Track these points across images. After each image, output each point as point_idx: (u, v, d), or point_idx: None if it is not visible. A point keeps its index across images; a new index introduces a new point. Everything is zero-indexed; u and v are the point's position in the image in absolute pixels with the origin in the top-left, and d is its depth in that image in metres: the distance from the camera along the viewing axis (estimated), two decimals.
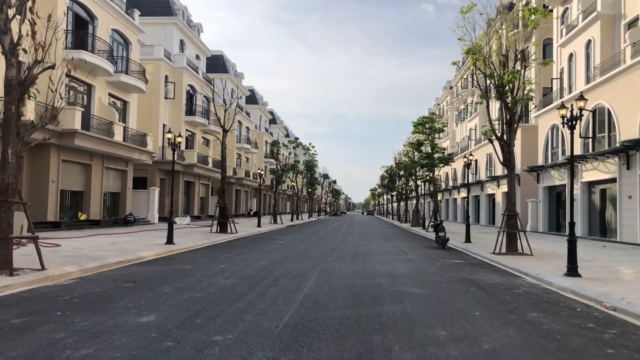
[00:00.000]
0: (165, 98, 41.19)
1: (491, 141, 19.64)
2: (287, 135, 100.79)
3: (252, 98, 76.19)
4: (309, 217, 74.27)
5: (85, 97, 28.59)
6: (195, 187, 46.56)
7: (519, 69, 17.65)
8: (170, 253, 16.86)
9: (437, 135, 39.63)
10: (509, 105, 17.92)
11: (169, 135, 21.32)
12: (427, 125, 36.59)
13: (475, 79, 19.31)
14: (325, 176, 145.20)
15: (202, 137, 48.68)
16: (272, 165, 76.16)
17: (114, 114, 29.45)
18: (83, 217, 27.58)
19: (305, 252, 18.09)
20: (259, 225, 36.58)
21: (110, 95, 30.92)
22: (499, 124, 19.44)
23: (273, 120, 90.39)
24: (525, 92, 18.08)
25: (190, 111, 44.58)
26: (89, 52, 26.79)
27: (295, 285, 10.20)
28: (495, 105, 34.27)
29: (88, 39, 27.70)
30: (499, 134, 18.35)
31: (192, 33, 47.49)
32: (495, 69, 17.88)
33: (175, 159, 38.87)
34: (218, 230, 27.77)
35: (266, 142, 78.88)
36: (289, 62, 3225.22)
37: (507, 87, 17.73)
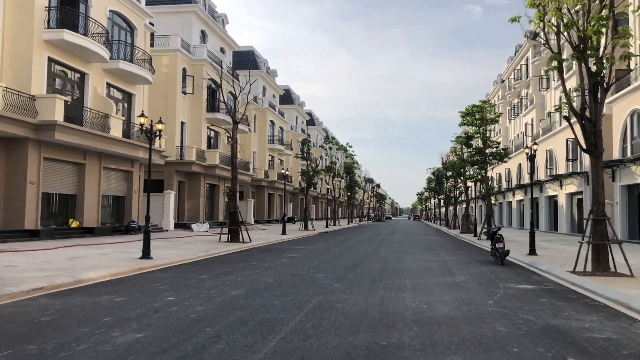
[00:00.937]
0: (184, 93, 37.46)
1: (568, 120, 14.48)
2: (327, 138, 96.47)
3: (288, 98, 72.56)
4: (348, 223, 69.35)
5: (76, 86, 24.90)
6: (219, 191, 42.64)
7: (607, 14, 12.54)
8: (131, 273, 12.67)
9: (489, 128, 34.19)
10: (595, 66, 12.84)
11: (142, 120, 16.80)
12: (477, 115, 31.27)
13: (543, 37, 14.21)
14: (370, 180, 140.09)
15: (227, 135, 44.45)
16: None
17: (111, 105, 25.65)
18: (75, 224, 23.94)
19: (314, 271, 13.45)
20: (283, 232, 32.23)
21: (110, 85, 27.22)
22: (578, 96, 14.38)
23: (311, 122, 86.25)
24: (620, 45, 12.84)
25: (212, 108, 40.77)
26: (80, 34, 23.02)
27: (239, 351, 5.63)
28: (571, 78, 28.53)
29: (79, 19, 23.87)
30: (578, 111, 13.31)
31: (215, 24, 43.65)
32: (572, 18, 12.84)
33: (194, 159, 36.42)
34: (229, 239, 23.57)
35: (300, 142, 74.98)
36: (332, 69, 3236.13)
37: (590, 42, 12.69)
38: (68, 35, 22.17)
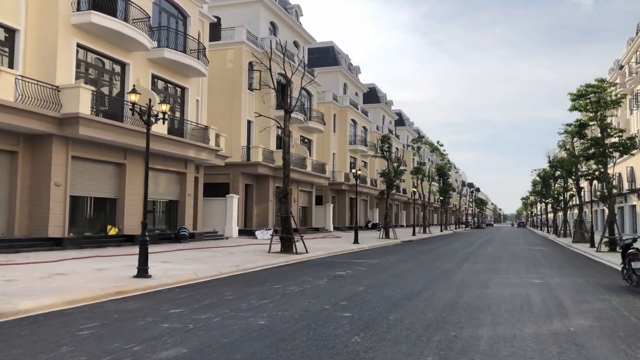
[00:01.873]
0: (250, 89, 34.61)
1: None
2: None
3: (373, 96, 68.34)
4: (441, 230, 63.24)
5: (115, 78, 22.55)
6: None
7: None
8: (97, 300, 9.33)
9: (609, 114, 27.66)
10: None
11: (134, 97, 13.46)
12: (591, 97, 25.04)
13: None
14: (469, 185, 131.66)
15: (301, 136, 41.23)
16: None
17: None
18: (113, 231, 21.40)
19: (345, 303, 9.02)
20: (355, 241, 28.02)
21: (156, 77, 24.67)
22: None
23: (400, 122, 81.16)
24: None
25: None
26: (117, 18, 20.44)
27: None
28: None
29: (117, 3, 21.19)
30: None
31: (287, 15, 40.52)
32: None
33: (260, 160, 33.16)
34: (281, 250, 19.85)
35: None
36: (430, 72, 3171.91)
37: None
38: (97, 17, 19.63)
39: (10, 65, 18.27)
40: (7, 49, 18.42)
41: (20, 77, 17.45)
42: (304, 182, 40.22)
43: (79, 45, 20.21)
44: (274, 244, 20.76)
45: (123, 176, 22.07)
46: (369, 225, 57.55)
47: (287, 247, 19.85)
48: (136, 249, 17.93)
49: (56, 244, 18.64)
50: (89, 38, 20.44)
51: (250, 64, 34.39)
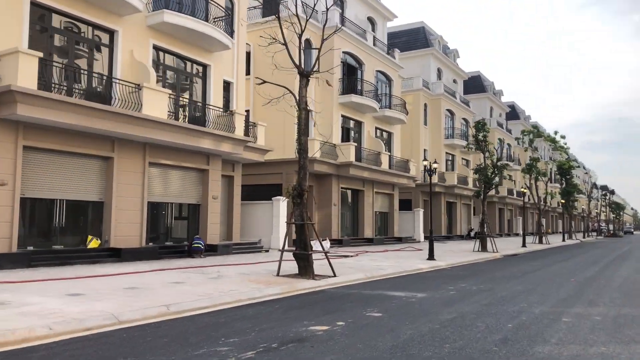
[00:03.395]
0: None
1: None
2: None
3: (513, 114, 73.25)
4: (563, 240, 52.57)
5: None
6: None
7: None
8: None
9: None
10: None
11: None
12: None
13: None
14: (603, 187, 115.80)
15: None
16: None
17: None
18: (94, 243, 17.16)
19: None
20: (430, 256, 21.23)
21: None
22: None
23: (513, 115, 74.22)
24: None
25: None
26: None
27: None
28: None
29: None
30: None
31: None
32: None
33: (318, 155, 28.15)
34: (300, 273, 13.94)
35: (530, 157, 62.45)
36: (559, 69, 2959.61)
37: None
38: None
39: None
40: None
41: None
42: (380, 183, 33.97)
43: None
44: (285, 260, 14.79)
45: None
46: (471, 234, 49.02)
47: (302, 268, 13.85)
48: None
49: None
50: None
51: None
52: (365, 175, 31.00)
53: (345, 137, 31.54)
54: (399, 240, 36.20)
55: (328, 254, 15.73)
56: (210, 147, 19.87)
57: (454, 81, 52.11)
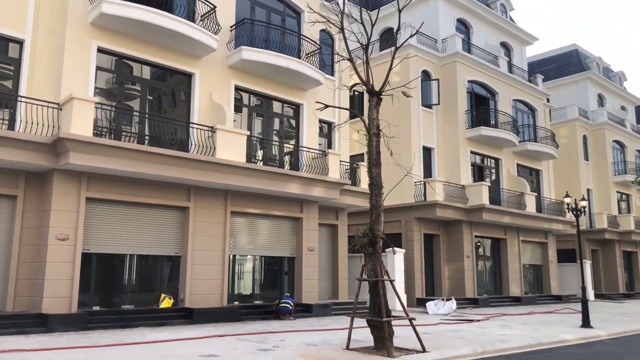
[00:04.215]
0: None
1: None
2: None
3: None
4: None
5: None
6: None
7: None
8: None
9: None
10: None
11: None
12: None
13: None
14: None
15: (518, 164, 40.95)
16: None
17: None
18: (166, 303, 15.42)
19: None
20: (584, 322, 16.17)
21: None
22: None
23: None
24: None
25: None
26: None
27: None
28: None
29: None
30: None
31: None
32: None
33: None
34: (375, 347, 10.70)
35: None
36: None
37: None
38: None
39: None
40: None
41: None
42: (527, 229, 28.47)
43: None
44: (357, 328, 11.51)
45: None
46: None
47: (377, 339, 10.50)
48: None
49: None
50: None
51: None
52: (505, 221, 26.06)
53: (478, 177, 27.22)
54: (558, 299, 29.74)
55: (447, 317, 12.13)
56: (298, 191, 17.58)
57: (622, 108, 44.09)
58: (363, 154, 27.01)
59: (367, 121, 11.99)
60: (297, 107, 19.98)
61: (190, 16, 16.64)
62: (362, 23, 12.23)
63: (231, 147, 15.85)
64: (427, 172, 25.80)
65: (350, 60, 12.28)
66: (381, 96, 12.07)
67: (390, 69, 12.24)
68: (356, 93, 28.37)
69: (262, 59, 17.37)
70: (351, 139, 27.54)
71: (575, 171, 36.51)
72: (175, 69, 16.47)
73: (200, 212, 16.17)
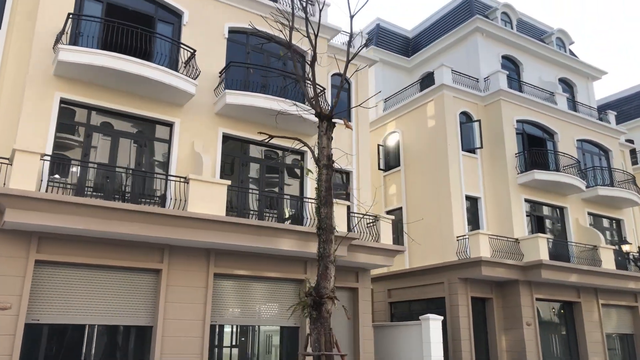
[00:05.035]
0: None
1: None
2: None
3: None
4: None
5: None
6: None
7: None
8: None
9: None
10: None
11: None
12: None
13: None
14: None
15: (589, 212, 34.39)
16: None
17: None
18: None
19: None
20: None
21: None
22: None
23: None
24: None
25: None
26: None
27: None
28: None
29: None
30: None
31: None
32: None
33: None
34: None
35: None
36: None
37: None
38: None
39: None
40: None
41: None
42: (608, 290, 23.59)
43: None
44: None
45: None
46: None
47: None
48: None
49: None
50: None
51: None
52: (573, 280, 21.71)
53: (537, 229, 23.26)
54: None
55: None
56: (293, 248, 15.17)
57: None
58: (397, 207, 24.44)
59: (316, 151, 9.61)
60: (301, 155, 18.02)
61: (173, 64, 15.64)
62: (307, 36, 10.11)
63: (208, 200, 14.04)
64: (475, 224, 22.48)
65: (302, 80, 10.05)
66: (334, 120, 9.66)
67: (343, 80, 9.86)
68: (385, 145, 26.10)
69: (249, 102, 15.74)
70: (385, 190, 25.20)
71: None
72: (152, 119, 15.27)
73: (175, 275, 14.23)
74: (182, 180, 14.22)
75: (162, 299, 13.82)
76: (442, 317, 19.02)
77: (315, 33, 9.53)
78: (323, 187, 9.15)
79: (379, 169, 25.48)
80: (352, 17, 9.79)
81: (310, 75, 9.98)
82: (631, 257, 15.29)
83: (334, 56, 19.36)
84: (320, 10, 16.41)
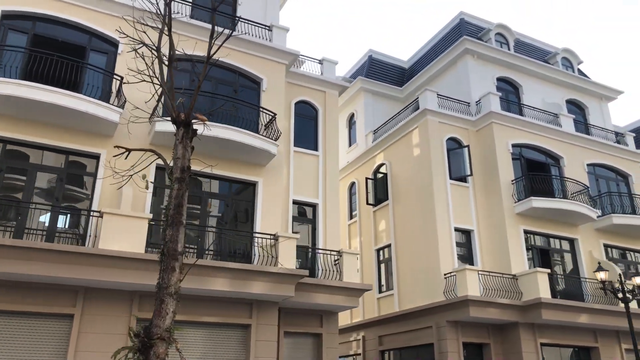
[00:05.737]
0: None
1: None
2: None
3: None
4: None
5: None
6: None
7: None
8: None
9: None
10: None
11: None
12: None
13: None
14: None
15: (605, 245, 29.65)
16: None
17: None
18: None
19: None
20: None
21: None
22: None
23: None
24: None
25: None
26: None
27: None
28: None
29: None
30: None
31: None
32: None
33: None
34: None
35: None
36: None
37: None
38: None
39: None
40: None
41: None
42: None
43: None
44: None
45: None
46: None
47: None
48: None
49: None
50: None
51: None
52: (585, 321, 18.85)
53: (541, 263, 20.61)
54: None
55: None
56: (224, 288, 13.43)
57: None
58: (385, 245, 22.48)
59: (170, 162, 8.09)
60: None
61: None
62: (162, 34, 8.72)
63: (126, 235, 12.71)
64: (469, 260, 20.18)
65: (162, 85, 8.64)
66: (195, 127, 8.16)
67: (209, 57, 8.34)
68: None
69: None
70: (375, 226, 23.35)
71: None
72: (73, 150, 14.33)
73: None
74: (98, 214, 13.00)
75: (72, 347, 12.33)
76: None
77: (169, 29, 8.23)
78: (172, 204, 7.61)
79: (368, 203, 23.71)
80: (214, 10, 8.50)
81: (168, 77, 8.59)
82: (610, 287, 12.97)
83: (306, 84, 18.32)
84: None
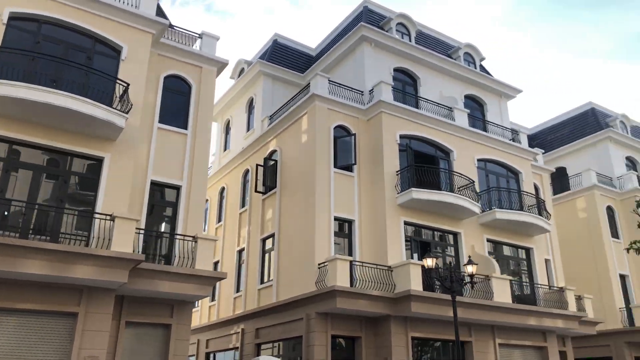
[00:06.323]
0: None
1: None
2: None
3: None
4: None
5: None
6: None
7: None
8: None
9: None
10: None
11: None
12: None
13: None
14: None
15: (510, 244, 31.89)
16: None
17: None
18: None
19: None
20: None
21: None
22: None
23: None
24: None
25: None
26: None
27: None
28: None
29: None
30: None
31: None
32: None
33: None
34: None
35: None
36: None
37: None
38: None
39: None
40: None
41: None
42: (508, 328, 20.32)
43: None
44: None
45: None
46: None
47: None
48: None
49: None
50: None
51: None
52: (463, 316, 18.57)
53: (421, 256, 20.25)
54: None
55: None
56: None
57: None
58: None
59: None
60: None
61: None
62: None
63: None
64: (349, 251, 19.58)
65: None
66: None
67: None
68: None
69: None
70: (262, 215, 22.42)
71: (600, 252, 28.37)
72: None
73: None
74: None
75: None
76: None
77: None
78: None
79: (256, 191, 22.74)
80: None
81: None
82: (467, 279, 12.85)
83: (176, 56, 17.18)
84: None
